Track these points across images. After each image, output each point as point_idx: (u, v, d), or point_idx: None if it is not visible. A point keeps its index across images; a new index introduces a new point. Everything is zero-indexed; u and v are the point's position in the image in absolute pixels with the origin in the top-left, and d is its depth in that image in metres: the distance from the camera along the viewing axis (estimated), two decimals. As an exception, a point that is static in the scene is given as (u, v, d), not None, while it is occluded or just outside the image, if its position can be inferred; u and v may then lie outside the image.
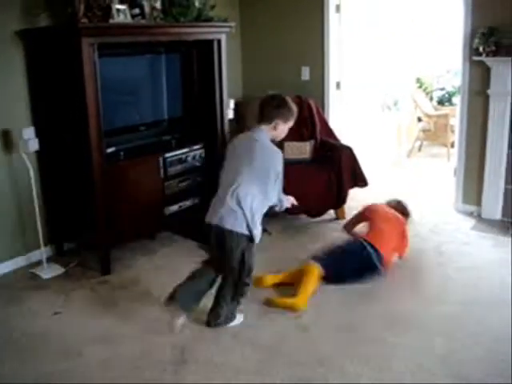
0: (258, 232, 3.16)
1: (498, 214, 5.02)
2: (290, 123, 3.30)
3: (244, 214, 3.08)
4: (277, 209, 3.42)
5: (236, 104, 5.39)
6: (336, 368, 2.96)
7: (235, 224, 3.09)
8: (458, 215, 5.16)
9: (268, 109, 3.24)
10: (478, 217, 5.07)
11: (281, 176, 3.23)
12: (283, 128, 3.28)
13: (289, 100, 3.30)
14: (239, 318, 3.41)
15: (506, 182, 4.95)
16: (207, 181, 4.70)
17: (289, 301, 3.57)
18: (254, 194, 3.11)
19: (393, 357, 3.05)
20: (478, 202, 5.10)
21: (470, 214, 5.13)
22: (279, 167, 3.20)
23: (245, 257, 3.18)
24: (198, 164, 4.72)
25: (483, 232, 4.77)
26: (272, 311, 3.54)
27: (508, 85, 4.73)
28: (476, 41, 4.71)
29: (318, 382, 2.86)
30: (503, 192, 4.96)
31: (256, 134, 3.25)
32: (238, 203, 3.08)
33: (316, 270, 3.76)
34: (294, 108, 3.30)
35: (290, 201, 3.54)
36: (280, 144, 5.07)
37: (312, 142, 5.09)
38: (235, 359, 3.07)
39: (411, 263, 4.22)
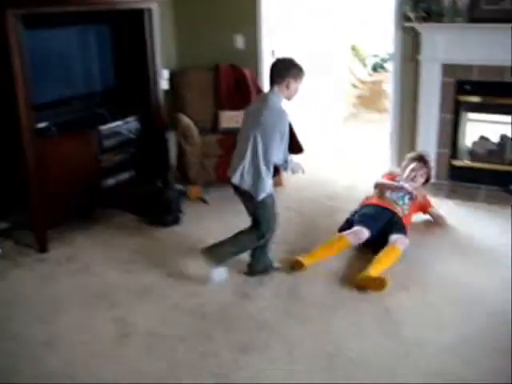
0: (266, 188, 3.41)
1: (431, 177, 5.16)
2: (300, 82, 3.46)
3: (254, 174, 3.38)
4: (284, 170, 3.66)
5: (171, 74, 5.32)
6: (277, 333, 3.03)
7: (249, 184, 3.40)
8: (392, 179, 5.28)
9: (279, 70, 3.43)
10: (412, 180, 5.20)
11: (286, 137, 3.42)
12: (295, 86, 3.43)
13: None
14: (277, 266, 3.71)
15: (438, 146, 5.10)
16: (143, 153, 4.64)
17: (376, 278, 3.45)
18: (260, 154, 3.34)
19: (334, 319, 3.15)
20: (412, 166, 5.23)
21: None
22: (285, 127, 3.39)
23: (264, 212, 3.48)
24: (133, 136, 4.65)
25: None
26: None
27: (438, 50, 4.84)
28: (406, 7, 4.80)
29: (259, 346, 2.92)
30: (435, 155, 5.11)
31: (267, 95, 3.48)
32: (250, 165, 3.38)
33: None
34: (302, 67, 3.48)
35: (298, 166, 3.67)
36: (216, 114, 5.11)
37: (248, 110, 5.09)
38: (178, 329, 3.09)
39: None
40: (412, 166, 4.42)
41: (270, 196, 3.49)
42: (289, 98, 3.48)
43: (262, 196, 3.41)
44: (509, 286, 3.39)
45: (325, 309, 3.25)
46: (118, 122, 4.53)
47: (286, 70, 3.40)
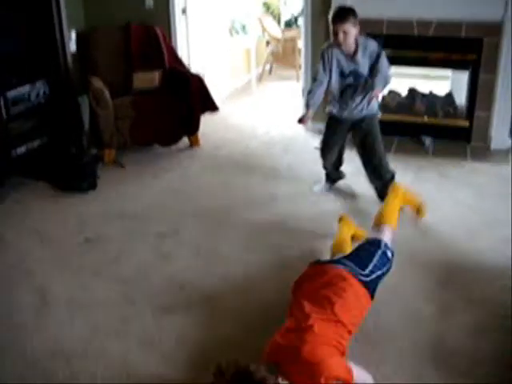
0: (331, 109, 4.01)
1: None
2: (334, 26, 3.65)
3: None
4: None
5: (79, 35, 5.13)
6: (197, 289, 3.07)
7: None
8: (307, 133, 5.37)
9: (349, 14, 3.61)
10: (327, 134, 5.32)
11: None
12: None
13: None
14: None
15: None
16: (55, 118, 4.50)
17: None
18: None
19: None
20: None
21: (319, 132, 5.36)
22: None
23: None
24: (42, 101, 4.49)
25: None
26: (135, 242, 3.56)
27: (348, 5, 4.89)
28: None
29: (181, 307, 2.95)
30: (348, 109, 5.23)
31: None
32: None
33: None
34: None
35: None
36: (128, 75, 4.99)
37: (160, 70, 5.00)
38: (99, 295, 3.07)
39: (269, 181, 4.39)
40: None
41: None
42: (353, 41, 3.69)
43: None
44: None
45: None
46: (26, 87, 4.35)
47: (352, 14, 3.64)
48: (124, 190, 4.31)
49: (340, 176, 4.29)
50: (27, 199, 4.23)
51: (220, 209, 3.94)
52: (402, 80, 5.30)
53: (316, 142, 5.13)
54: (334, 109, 3.98)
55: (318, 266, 2.72)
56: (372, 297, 2.61)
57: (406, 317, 2.81)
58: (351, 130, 3.99)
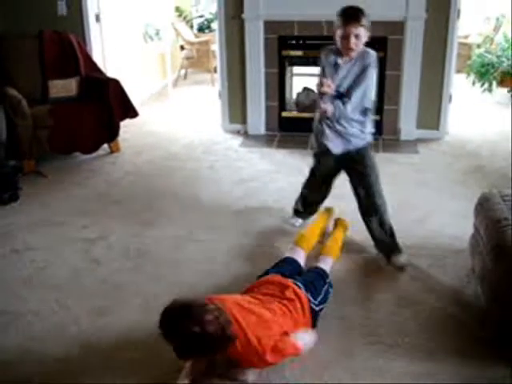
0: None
1: (262, 130, 5.46)
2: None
3: None
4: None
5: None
6: (131, 293, 3.12)
7: None
8: (226, 135, 5.51)
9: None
10: (245, 134, 5.47)
11: None
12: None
13: None
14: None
15: (267, 99, 5.38)
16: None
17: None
18: None
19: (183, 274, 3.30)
20: (244, 121, 5.50)
21: (238, 133, 5.51)
22: None
23: None
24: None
25: (251, 147, 5.20)
26: (64, 249, 3.56)
27: (260, 8, 5.07)
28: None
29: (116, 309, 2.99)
30: (264, 109, 5.40)
31: None
32: None
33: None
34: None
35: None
36: (44, 83, 4.93)
37: (77, 78, 4.98)
38: (32, 304, 3.05)
39: (192, 182, 4.47)
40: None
41: None
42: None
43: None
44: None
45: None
46: None
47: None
48: (48, 199, 4.27)
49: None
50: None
51: (145, 211, 3.99)
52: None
53: (236, 141, 5.30)
54: None
55: (277, 277, 2.74)
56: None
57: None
58: None
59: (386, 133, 5.28)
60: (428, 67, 5.04)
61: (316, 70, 5.33)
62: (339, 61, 3.15)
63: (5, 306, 3.04)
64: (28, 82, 4.85)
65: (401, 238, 3.39)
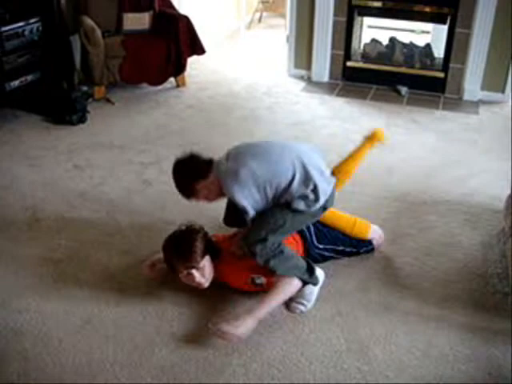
0: None
1: (325, 77, 5.52)
2: None
3: None
4: None
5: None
6: (176, 213, 3.34)
7: None
8: (290, 79, 5.60)
9: None
10: (308, 80, 5.55)
11: None
12: None
13: None
14: None
15: (333, 47, 5.42)
16: (47, 55, 4.69)
17: None
18: None
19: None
20: (308, 67, 5.56)
21: (301, 78, 5.60)
22: None
23: None
24: (36, 38, 4.67)
25: (311, 93, 5.28)
26: (120, 170, 3.83)
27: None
28: None
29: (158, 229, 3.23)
30: (330, 56, 5.45)
31: None
32: None
33: None
34: None
35: None
36: (119, 16, 5.15)
37: (151, 12, 5.17)
38: (86, 213, 3.36)
39: (249, 120, 4.64)
40: None
41: None
42: None
43: None
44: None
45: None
46: (20, 24, 4.51)
47: None
48: (112, 124, 4.56)
49: None
50: (20, 129, 4.47)
51: (201, 143, 4.18)
52: (386, 32, 5.54)
53: (298, 86, 5.39)
54: None
55: None
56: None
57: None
58: None
59: (448, 91, 5.23)
60: (500, 27, 4.91)
61: (387, 23, 5.44)
62: None
63: (60, 213, 3.37)
64: (104, 14, 5.07)
65: (442, 193, 3.47)
